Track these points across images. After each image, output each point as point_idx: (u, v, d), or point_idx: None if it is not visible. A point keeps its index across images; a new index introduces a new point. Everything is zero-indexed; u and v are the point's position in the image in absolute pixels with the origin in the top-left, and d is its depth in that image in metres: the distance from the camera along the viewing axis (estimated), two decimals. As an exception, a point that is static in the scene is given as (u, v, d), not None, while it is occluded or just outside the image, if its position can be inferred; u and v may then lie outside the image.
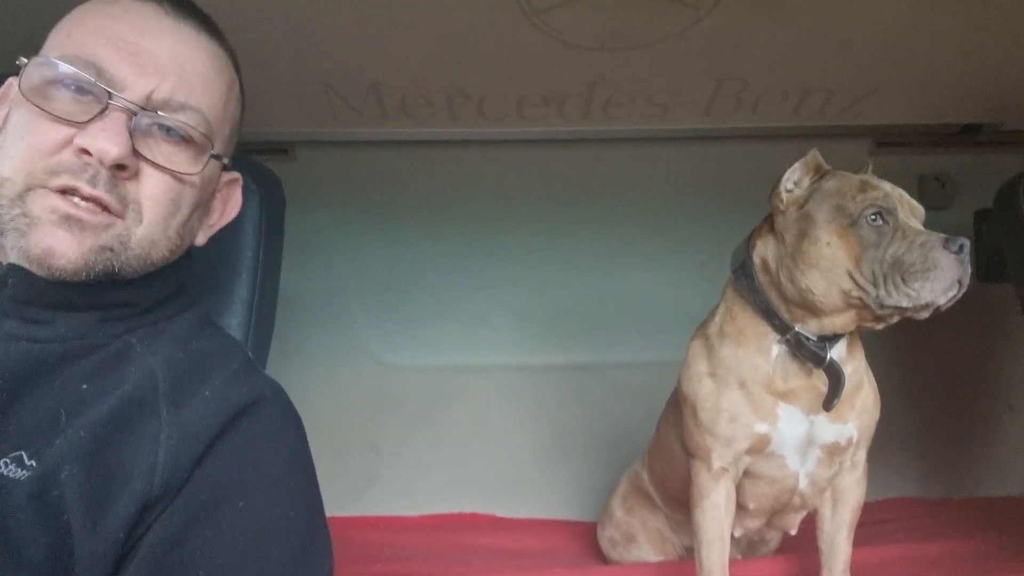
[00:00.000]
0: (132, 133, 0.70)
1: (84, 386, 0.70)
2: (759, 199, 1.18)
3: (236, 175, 0.87)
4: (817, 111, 1.63)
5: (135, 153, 0.71)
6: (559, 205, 1.99)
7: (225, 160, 0.82)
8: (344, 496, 1.90)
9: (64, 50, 0.72)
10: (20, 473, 0.64)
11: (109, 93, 0.70)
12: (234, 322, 1.07)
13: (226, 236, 1.09)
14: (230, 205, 0.87)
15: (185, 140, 0.74)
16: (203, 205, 0.82)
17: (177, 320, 0.81)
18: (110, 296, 0.75)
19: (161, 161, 0.72)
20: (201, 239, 0.85)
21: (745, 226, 1.22)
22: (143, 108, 0.71)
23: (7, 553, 0.62)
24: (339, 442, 1.95)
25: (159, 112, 0.72)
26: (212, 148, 0.77)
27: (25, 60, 0.72)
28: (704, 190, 1.96)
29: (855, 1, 1.23)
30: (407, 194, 1.97)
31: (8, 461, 0.64)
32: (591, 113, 1.63)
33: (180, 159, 0.74)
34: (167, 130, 0.73)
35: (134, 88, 0.71)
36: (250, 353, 1.03)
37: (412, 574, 1.46)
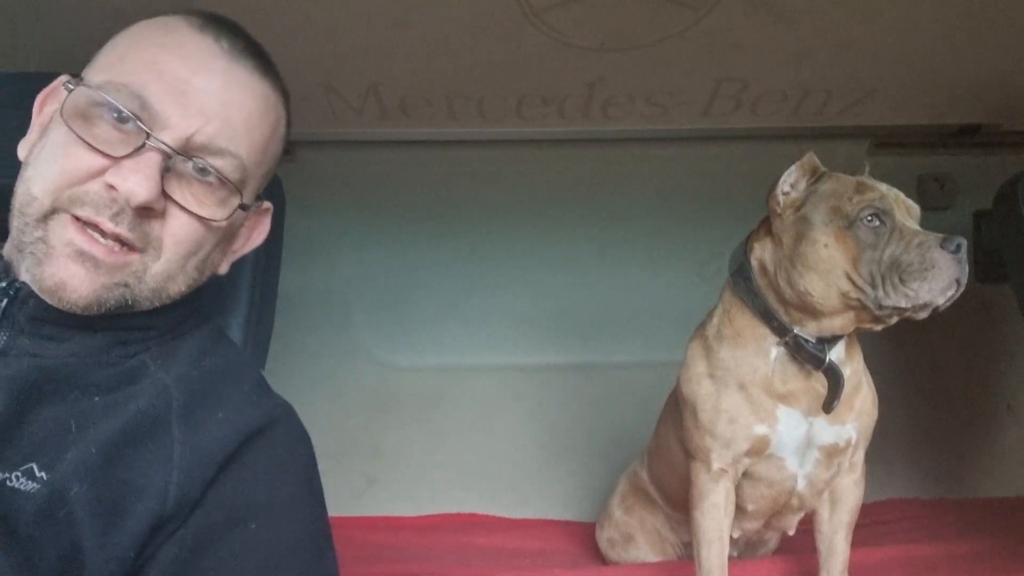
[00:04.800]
0: (164, 175, 0.69)
1: (96, 399, 0.70)
2: (758, 200, 1.18)
3: (268, 205, 0.86)
4: (816, 112, 1.63)
5: (164, 194, 0.70)
6: (559, 205, 1.99)
7: (249, 203, 0.80)
8: (343, 496, 1.90)
9: (114, 75, 0.71)
10: (31, 485, 0.64)
11: (148, 133, 0.68)
12: (234, 322, 1.07)
13: (226, 236, 1.09)
14: (256, 232, 0.86)
15: (219, 182, 0.72)
16: (227, 241, 0.81)
17: (190, 336, 0.80)
18: (128, 321, 0.74)
19: (190, 205, 0.71)
20: (223, 268, 0.83)
21: (744, 227, 1.22)
22: (179, 152, 0.70)
23: (20, 564, 0.62)
24: (339, 442, 1.95)
25: (195, 158, 0.71)
26: (242, 198, 0.75)
27: (69, 79, 0.70)
28: (703, 190, 1.96)
29: (854, 2, 1.23)
30: (407, 194, 1.97)
31: (19, 474, 0.65)
32: (591, 113, 1.63)
33: (209, 202, 0.72)
34: (201, 170, 0.71)
35: (176, 128, 0.69)
36: (248, 353, 1.03)
37: (411, 574, 1.46)
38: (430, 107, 1.58)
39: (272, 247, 1.15)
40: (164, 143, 0.69)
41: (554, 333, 2.03)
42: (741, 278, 1.16)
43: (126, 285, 0.70)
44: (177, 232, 0.72)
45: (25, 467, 0.65)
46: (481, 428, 2.02)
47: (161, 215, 0.71)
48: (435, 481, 1.98)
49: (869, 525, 1.54)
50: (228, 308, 1.07)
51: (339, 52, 1.35)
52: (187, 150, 0.70)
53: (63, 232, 0.68)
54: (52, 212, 0.68)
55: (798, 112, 1.63)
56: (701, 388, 1.17)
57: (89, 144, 0.68)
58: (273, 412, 0.77)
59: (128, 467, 0.67)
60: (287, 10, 1.21)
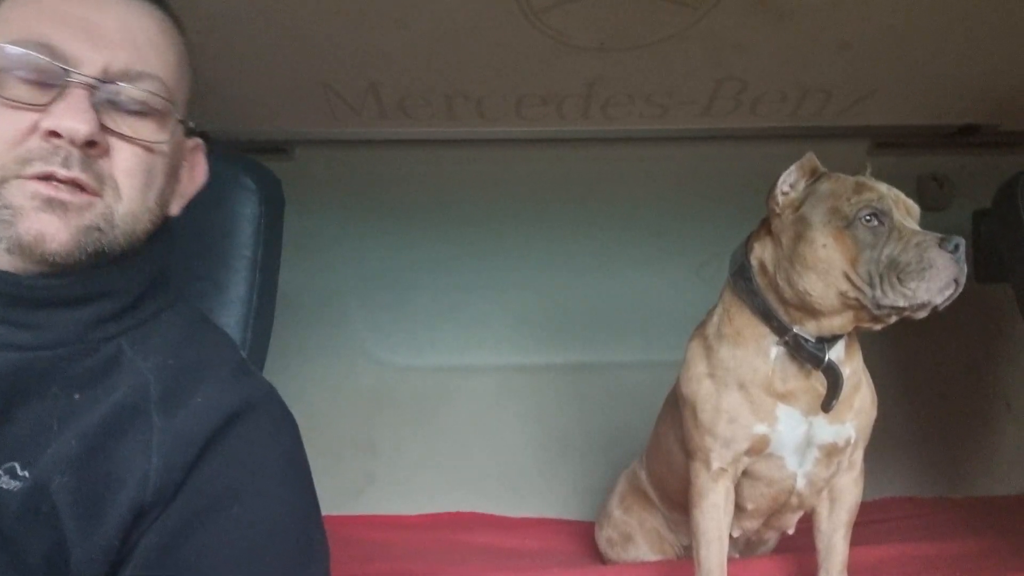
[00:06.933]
0: (96, 108, 0.69)
1: (76, 395, 0.69)
2: (758, 200, 1.18)
3: (198, 141, 0.86)
4: (816, 112, 1.63)
5: (103, 128, 0.70)
6: (558, 205, 1.99)
7: (190, 124, 0.81)
8: (341, 495, 1.90)
9: (9, 35, 0.69)
10: (13, 484, 0.64)
11: (66, 71, 0.68)
12: (232, 321, 1.07)
13: (225, 235, 1.10)
14: (197, 171, 0.86)
15: (147, 111, 0.73)
16: (174, 173, 0.81)
17: (166, 319, 0.79)
18: (94, 284, 0.73)
19: (129, 133, 0.72)
20: (175, 208, 0.83)
21: (743, 227, 1.22)
22: (102, 81, 0.70)
23: (7, 562, 0.63)
24: (337, 441, 1.96)
25: (119, 83, 0.71)
26: (176, 113, 0.76)
27: None
28: (703, 190, 1.96)
29: (854, 2, 1.23)
30: (406, 194, 1.97)
31: (1, 472, 0.65)
32: (590, 113, 1.63)
33: (147, 129, 0.73)
34: (130, 102, 0.72)
35: (90, 63, 0.70)
36: (247, 352, 1.03)
37: (409, 573, 1.46)
38: (429, 107, 1.58)
39: (271, 246, 1.15)
40: (85, 75, 0.69)
41: (554, 333, 2.03)
42: (741, 278, 1.16)
43: (99, 229, 0.70)
44: (127, 165, 0.72)
45: (7, 466, 0.65)
46: (480, 428, 2.02)
47: (107, 152, 0.71)
48: (434, 480, 1.98)
49: (868, 524, 1.54)
50: (226, 307, 1.07)
51: (338, 52, 1.35)
52: (108, 80, 0.71)
53: (23, 189, 0.68)
54: (3, 181, 0.68)
55: (798, 112, 1.63)
56: (701, 388, 1.17)
57: (14, 103, 0.68)
58: (252, 396, 0.76)
59: (108, 458, 0.67)
60: (287, 10, 1.21)
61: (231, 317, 1.07)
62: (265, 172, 1.17)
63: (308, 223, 1.92)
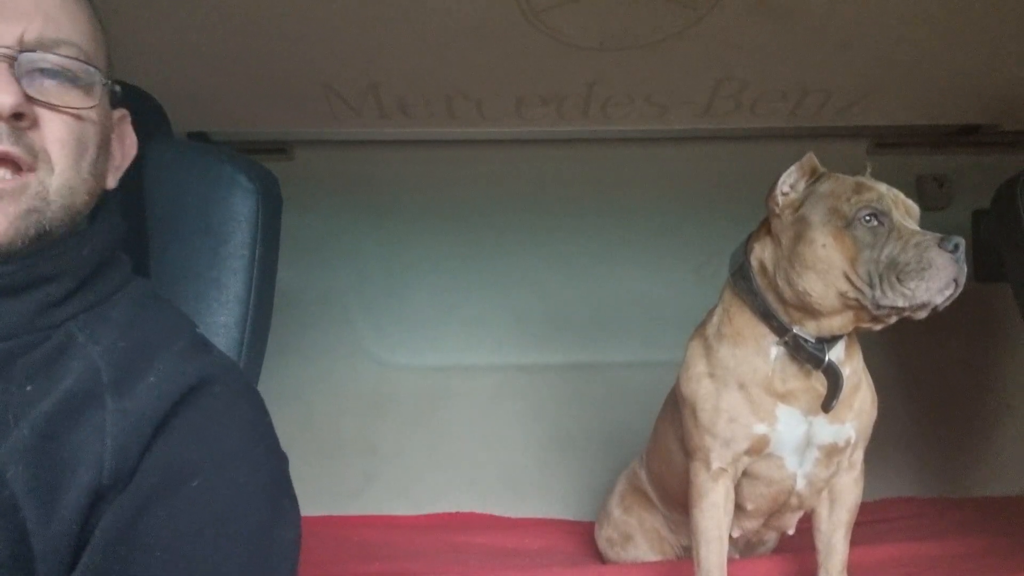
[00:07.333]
0: (18, 80, 0.68)
1: (29, 387, 0.68)
2: (757, 200, 1.18)
3: (124, 111, 0.85)
4: (815, 112, 1.63)
5: (29, 99, 0.69)
6: (557, 205, 2.00)
7: (115, 88, 0.80)
8: (341, 495, 1.90)
9: None
10: None
11: None
12: (231, 321, 1.07)
13: (223, 234, 1.09)
14: (127, 143, 0.85)
15: (70, 78, 0.72)
16: (105, 143, 0.79)
17: (118, 301, 0.78)
18: (37, 269, 0.72)
19: (56, 102, 0.71)
20: (111, 181, 0.82)
21: (743, 227, 1.22)
22: (19, 52, 0.69)
23: None
24: (336, 441, 1.95)
25: (37, 51, 0.70)
26: (101, 78, 0.75)
27: None
28: (702, 190, 1.96)
29: (854, 2, 1.23)
30: (405, 194, 1.97)
31: None
32: (590, 113, 1.63)
33: (72, 97, 0.72)
34: (50, 73, 0.71)
35: (3, 35, 0.68)
36: (245, 352, 1.03)
37: (409, 573, 1.46)
38: (429, 107, 1.58)
39: (269, 246, 1.14)
40: (2, 46, 0.68)
41: (553, 332, 2.03)
42: (741, 278, 1.17)
43: (37, 211, 0.70)
44: (58, 135, 0.71)
45: None
46: (480, 428, 2.02)
47: (36, 123, 0.70)
48: (433, 480, 1.98)
49: (868, 524, 1.54)
50: (224, 306, 1.07)
51: (338, 52, 1.35)
52: (25, 49, 0.69)
53: None
54: None
55: (797, 112, 1.63)
56: (701, 387, 1.17)
57: None
58: (208, 370, 0.75)
59: (62, 445, 0.66)
60: (287, 10, 1.21)
61: (229, 316, 1.07)
62: (263, 171, 1.17)
63: (308, 223, 1.92)
